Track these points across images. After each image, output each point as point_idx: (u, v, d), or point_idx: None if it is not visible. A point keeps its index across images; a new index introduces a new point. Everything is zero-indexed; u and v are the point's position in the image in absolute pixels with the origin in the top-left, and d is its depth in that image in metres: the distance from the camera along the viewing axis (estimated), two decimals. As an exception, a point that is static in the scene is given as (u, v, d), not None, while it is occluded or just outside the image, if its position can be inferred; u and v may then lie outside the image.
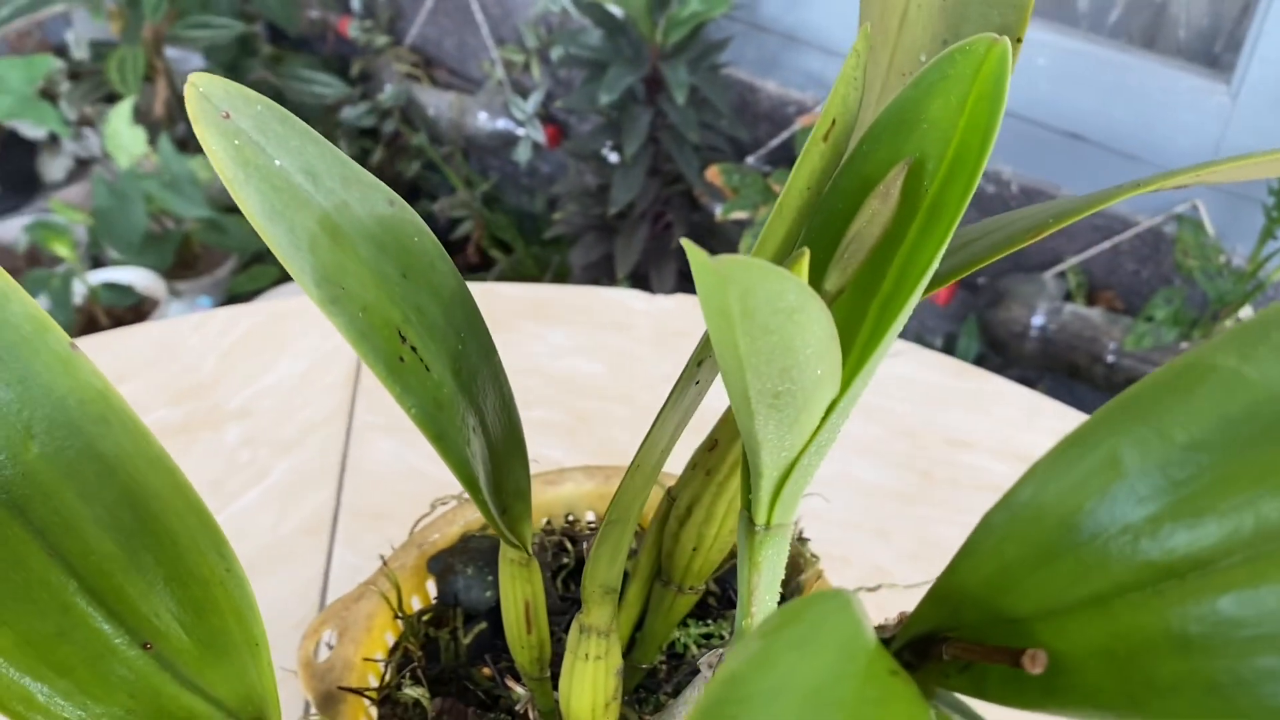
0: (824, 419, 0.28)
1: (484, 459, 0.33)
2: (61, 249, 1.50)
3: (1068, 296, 1.31)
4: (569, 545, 0.50)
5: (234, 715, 0.29)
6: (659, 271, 1.47)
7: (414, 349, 0.29)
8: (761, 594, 0.34)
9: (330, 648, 0.47)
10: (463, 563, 0.49)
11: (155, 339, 0.81)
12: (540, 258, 1.74)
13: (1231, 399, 0.19)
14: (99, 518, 0.28)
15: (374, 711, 0.47)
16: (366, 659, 0.47)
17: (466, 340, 0.32)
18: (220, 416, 0.74)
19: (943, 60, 0.27)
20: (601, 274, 1.52)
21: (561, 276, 1.65)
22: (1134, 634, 0.19)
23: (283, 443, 0.73)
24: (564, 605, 0.48)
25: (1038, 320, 1.30)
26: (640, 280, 1.51)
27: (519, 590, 0.38)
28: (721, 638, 0.48)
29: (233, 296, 1.79)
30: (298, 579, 0.62)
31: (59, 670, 0.26)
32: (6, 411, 0.26)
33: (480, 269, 1.80)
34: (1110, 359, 1.26)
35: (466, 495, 0.54)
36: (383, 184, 0.30)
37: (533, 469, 0.70)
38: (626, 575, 0.43)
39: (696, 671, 0.47)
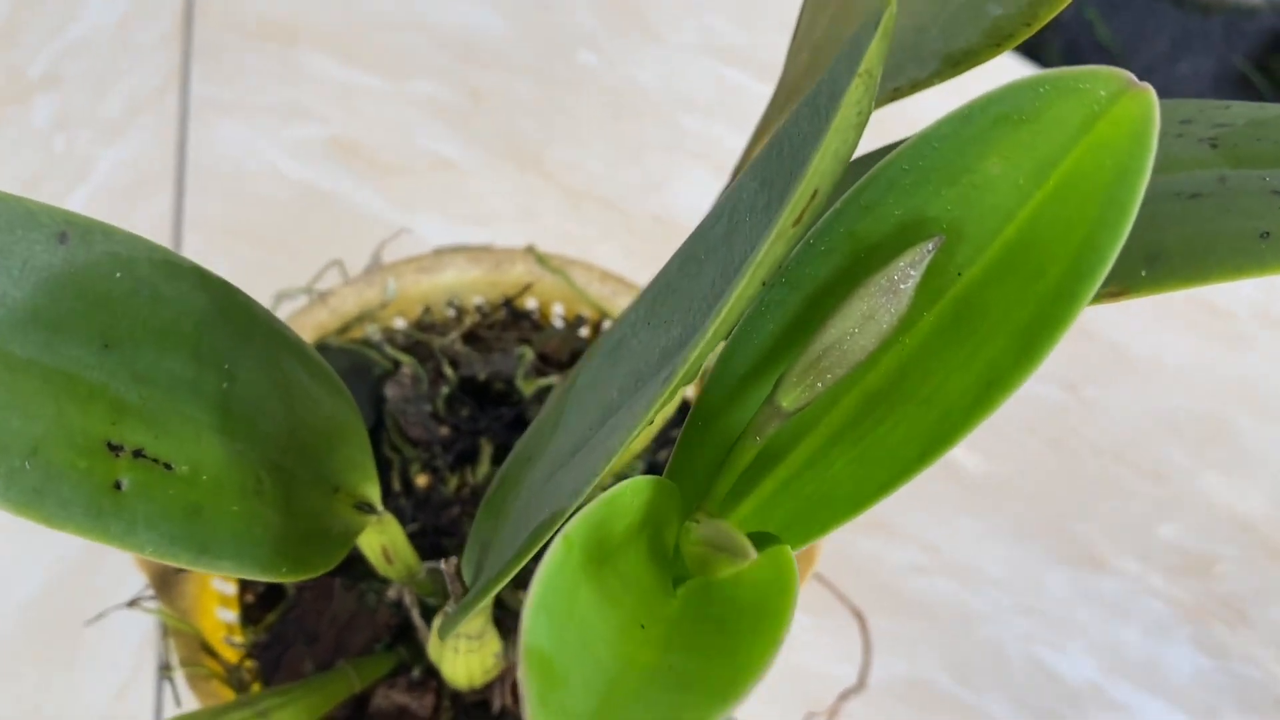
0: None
1: (280, 472, 0.24)
2: None
3: None
4: (449, 371, 0.41)
5: None
6: None
7: (138, 451, 0.19)
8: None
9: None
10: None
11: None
12: None
13: None
14: None
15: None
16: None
17: (236, 360, 0.21)
18: (23, 87, 0.60)
19: (1023, 87, 0.14)
20: None
21: None
22: None
23: (105, 124, 0.59)
24: (447, 438, 0.41)
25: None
26: None
27: (375, 540, 0.31)
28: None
29: None
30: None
31: None
32: None
33: None
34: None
35: (320, 288, 0.45)
36: (51, 209, 0.17)
37: (411, 194, 0.58)
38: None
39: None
